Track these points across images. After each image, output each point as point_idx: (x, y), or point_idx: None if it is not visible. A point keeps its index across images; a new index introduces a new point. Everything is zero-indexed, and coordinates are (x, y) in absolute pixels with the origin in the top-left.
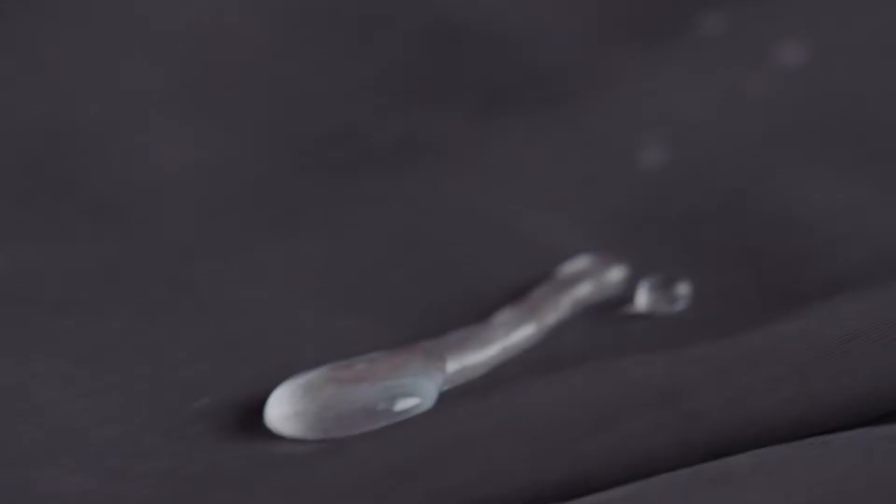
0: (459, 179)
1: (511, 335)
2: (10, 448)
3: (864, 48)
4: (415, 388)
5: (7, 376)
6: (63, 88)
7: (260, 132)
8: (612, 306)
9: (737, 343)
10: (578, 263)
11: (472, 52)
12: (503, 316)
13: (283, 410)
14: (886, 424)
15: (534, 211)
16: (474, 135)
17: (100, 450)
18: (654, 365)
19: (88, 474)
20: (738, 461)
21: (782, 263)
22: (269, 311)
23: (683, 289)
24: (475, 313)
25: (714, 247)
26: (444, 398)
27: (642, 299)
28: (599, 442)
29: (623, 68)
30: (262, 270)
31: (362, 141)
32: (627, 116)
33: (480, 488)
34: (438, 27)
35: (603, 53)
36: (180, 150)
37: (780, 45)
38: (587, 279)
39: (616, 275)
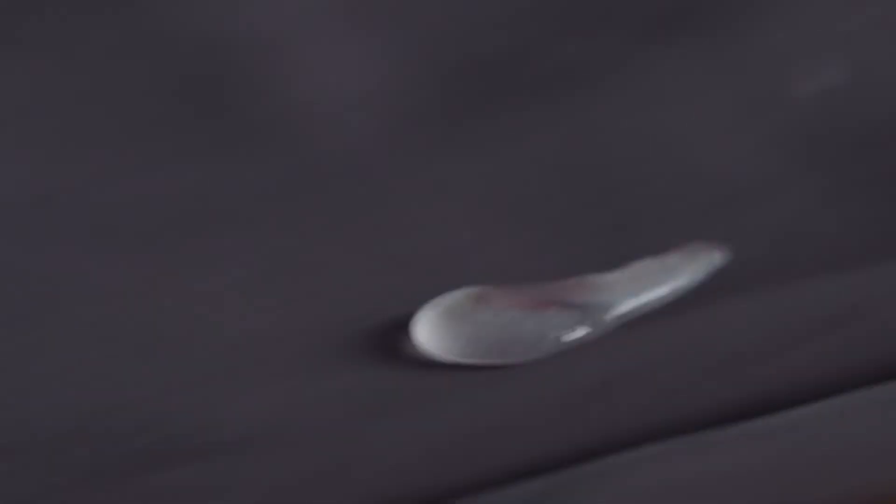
0: (620, 105)
1: (680, 278)
2: (182, 367)
3: None
4: (582, 319)
5: (175, 293)
6: (233, 5)
7: (425, 56)
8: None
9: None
10: None
11: None
12: (674, 258)
13: (436, 333)
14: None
15: (696, 137)
16: (634, 61)
17: (270, 369)
18: (827, 286)
19: (257, 394)
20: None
21: None
22: (433, 231)
23: None
24: (639, 242)
25: (878, 174)
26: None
27: None
28: (783, 364)
29: None
30: (426, 193)
31: (524, 66)
32: (792, 40)
33: (653, 413)
34: None
35: None
36: (346, 71)
37: None
38: None
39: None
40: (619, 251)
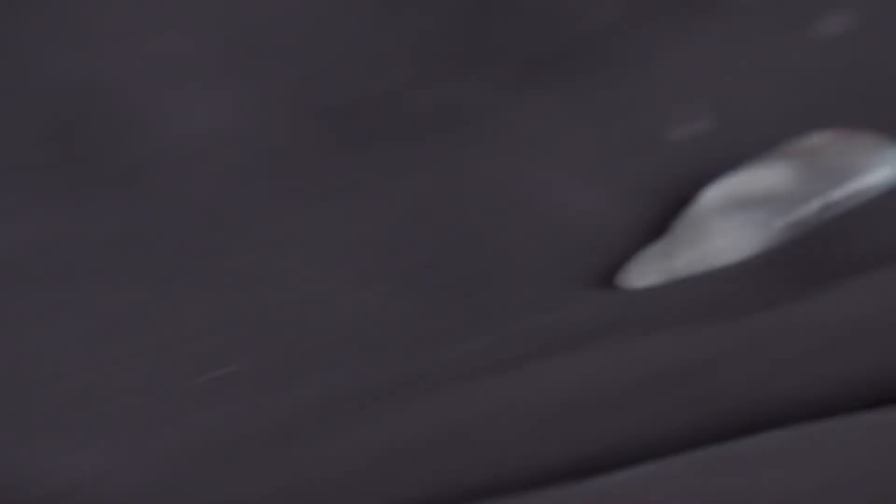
0: (491, 149)
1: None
2: (23, 416)
3: None
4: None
5: (24, 343)
6: (94, 51)
7: (290, 99)
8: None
9: (749, 321)
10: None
11: (505, 21)
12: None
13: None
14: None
15: (564, 181)
16: (507, 105)
17: (112, 420)
18: (670, 344)
19: (99, 446)
20: (751, 442)
21: (813, 240)
22: (290, 281)
23: None
24: (502, 283)
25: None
26: (458, 380)
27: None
28: (617, 421)
29: (657, 39)
30: (287, 239)
31: (394, 110)
32: (660, 87)
33: (479, 473)
34: None
35: (639, 22)
36: (209, 117)
37: (822, 14)
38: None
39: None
40: (479, 299)
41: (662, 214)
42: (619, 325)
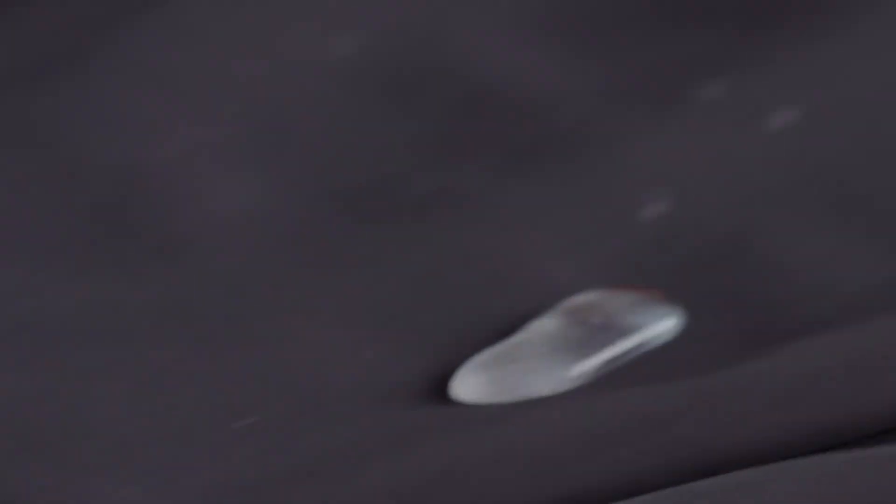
0: (481, 227)
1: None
2: (74, 460)
3: (850, 114)
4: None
5: (75, 397)
6: (138, 138)
7: (308, 182)
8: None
9: (718, 378)
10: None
11: (494, 115)
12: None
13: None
14: (849, 450)
15: (547, 256)
16: (496, 188)
17: (151, 464)
18: (643, 396)
19: (140, 485)
20: (717, 481)
21: (762, 307)
22: (306, 342)
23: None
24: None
25: (701, 290)
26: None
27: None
28: (592, 467)
29: (628, 130)
30: (303, 305)
31: (397, 192)
32: (632, 173)
33: None
34: (465, 93)
35: (610, 116)
36: (238, 197)
37: (772, 110)
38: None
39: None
40: (477, 351)
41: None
42: (594, 385)
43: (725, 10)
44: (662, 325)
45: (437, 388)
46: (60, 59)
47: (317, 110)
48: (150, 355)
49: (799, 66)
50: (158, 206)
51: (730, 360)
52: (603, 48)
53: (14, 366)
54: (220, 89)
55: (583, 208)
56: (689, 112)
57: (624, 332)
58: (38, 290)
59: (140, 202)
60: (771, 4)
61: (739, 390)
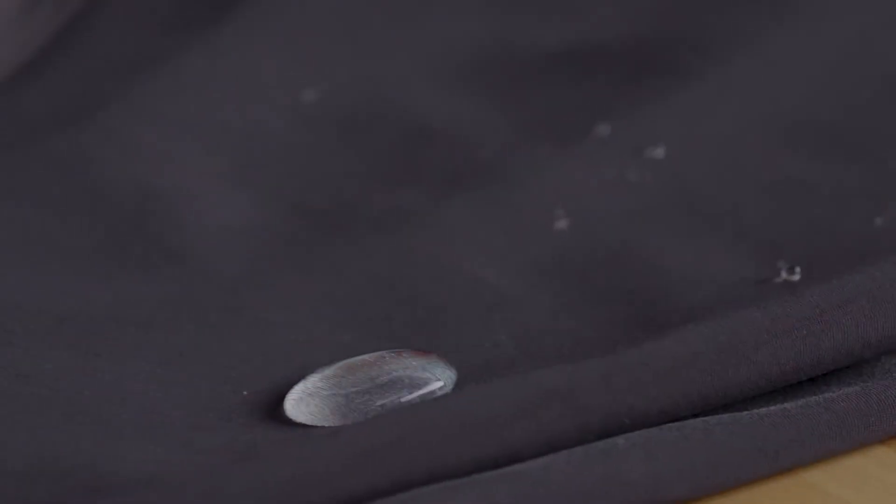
0: (425, 238)
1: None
2: (108, 425)
3: (708, 147)
4: (436, 377)
5: (109, 373)
6: (150, 168)
7: (285, 203)
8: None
9: (614, 357)
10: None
11: (430, 148)
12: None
13: (301, 400)
14: (718, 414)
15: (476, 262)
16: (434, 207)
17: (171, 427)
18: (551, 374)
19: (162, 446)
20: (612, 441)
21: (647, 300)
22: (292, 329)
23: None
24: (437, 330)
25: (598, 287)
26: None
27: None
28: (515, 432)
29: (536, 161)
30: (286, 300)
31: (357, 210)
32: (540, 195)
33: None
34: (406, 132)
35: (522, 150)
36: (232, 213)
37: (647, 145)
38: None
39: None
40: (420, 341)
41: (555, 287)
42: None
43: (608, 68)
44: (437, 384)
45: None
46: (89, 104)
47: (291, 145)
48: (167, 339)
49: (665, 110)
50: (169, 220)
51: (623, 342)
52: (515, 96)
53: (60, 350)
54: (215, 129)
55: (504, 223)
56: (583, 147)
57: (404, 387)
58: (77, 289)
59: (155, 217)
60: (642, 64)
61: (632, 366)
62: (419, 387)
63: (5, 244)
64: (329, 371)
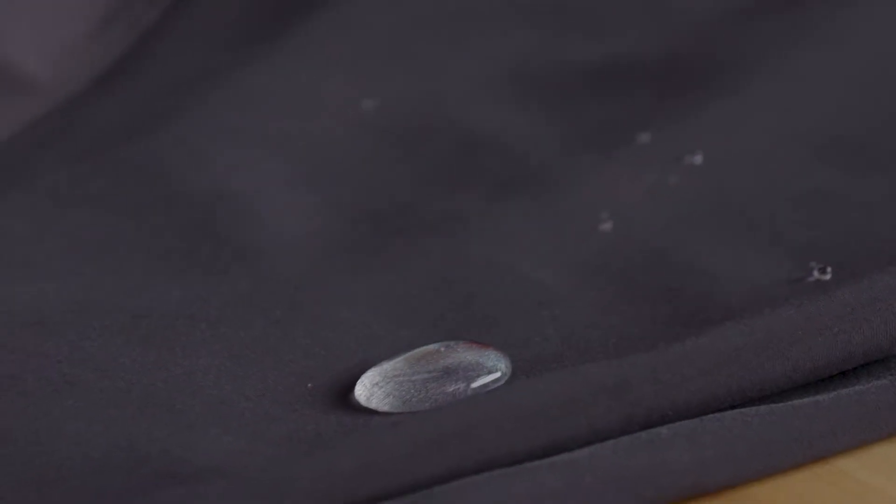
0: (479, 240)
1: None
2: (181, 416)
3: (744, 157)
4: (494, 368)
5: (182, 367)
6: (221, 175)
7: (346, 206)
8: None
9: (660, 353)
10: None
11: (482, 156)
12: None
13: (369, 389)
14: (757, 406)
15: (526, 262)
16: (487, 211)
17: (241, 418)
18: (600, 370)
19: (232, 435)
20: (655, 432)
21: (688, 299)
22: (353, 325)
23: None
24: (492, 328)
25: (641, 287)
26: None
27: None
28: (565, 424)
29: (584, 167)
30: (348, 298)
31: (415, 213)
32: (586, 200)
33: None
34: (459, 140)
35: (569, 158)
36: (297, 217)
37: (686, 153)
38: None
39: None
40: (474, 337)
41: (605, 285)
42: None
43: (648, 82)
44: (495, 374)
45: None
46: (161, 114)
47: (352, 154)
48: (236, 334)
49: (703, 122)
50: (239, 223)
51: (665, 338)
52: (562, 108)
53: (135, 345)
54: (280, 138)
55: (552, 225)
56: (626, 155)
57: (465, 376)
58: (151, 288)
59: (225, 221)
60: (680, 78)
61: (676, 362)
62: (479, 377)
63: (83, 246)
64: (395, 361)
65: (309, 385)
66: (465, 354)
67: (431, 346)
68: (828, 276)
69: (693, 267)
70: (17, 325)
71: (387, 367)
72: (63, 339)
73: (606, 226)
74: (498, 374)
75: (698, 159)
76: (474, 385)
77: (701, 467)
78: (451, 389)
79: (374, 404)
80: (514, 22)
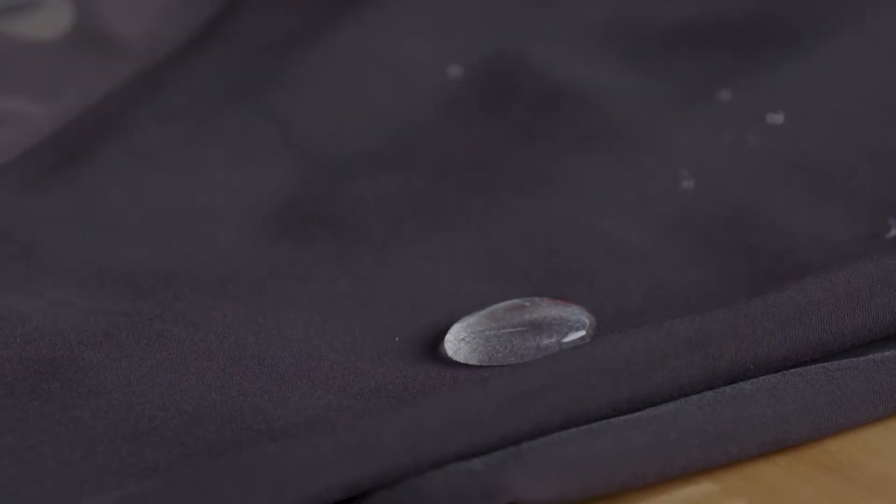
0: (561, 196)
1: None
2: (271, 370)
3: (822, 116)
4: (579, 324)
5: (273, 323)
6: (304, 140)
7: (433, 166)
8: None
9: (740, 308)
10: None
11: (566, 110)
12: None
13: (455, 344)
14: (837, 360)
15: (608, 219)
16: (570, 165)
17: (330, 371)
18: (683, 325)
19: (321, 389)
20: (739, 387)
21: (768, 256)
22: (437, 281)
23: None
24: (574, 284)
25: (721, 243)
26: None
27: None
28: (649, 379)
29: (666, 124)
30: (431, 254)
31: (498, 171)
32: (668, 156)
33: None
34: (543, 95)
35: (652, 113)
36: (384, 180)
37: (766, 111)
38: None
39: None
40: (556, 292)
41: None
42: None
43: (729, 40)
44: (580, 332)
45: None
46: (248, 80)
47: (438, 117)
48: (323, 290)
49: (782, 81)
50: (328, 190)
51: (748, 294)
52: (644, 66)
53: (226, 302)
54: (375, 107)
55: (633, 182)
56: (707, 112)
57: (552, 331)
58: (239, 255)
59: (317, 188)
60: (760, 37)
61: (757, 316)
62: (566, 332)
63: (171, 214)
64: (480, 315)
65: (396, 339)
66: (549, 310)
67: (516, 301)
68: None
69: (773, 224)
70: (108, 288)
71: (472, 321)
72: (155, 299)
73: (687, 183)
74: (583, 332)
75: (779, 118)
76: (564, 341)
77: (783, 422)
78: (536, 344)
79: (461, 358)
80: None
